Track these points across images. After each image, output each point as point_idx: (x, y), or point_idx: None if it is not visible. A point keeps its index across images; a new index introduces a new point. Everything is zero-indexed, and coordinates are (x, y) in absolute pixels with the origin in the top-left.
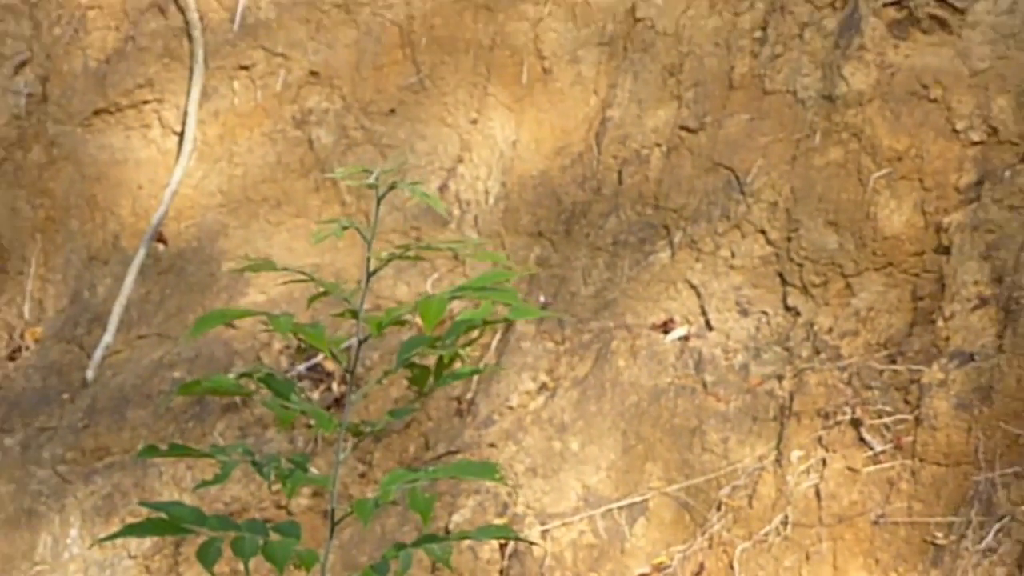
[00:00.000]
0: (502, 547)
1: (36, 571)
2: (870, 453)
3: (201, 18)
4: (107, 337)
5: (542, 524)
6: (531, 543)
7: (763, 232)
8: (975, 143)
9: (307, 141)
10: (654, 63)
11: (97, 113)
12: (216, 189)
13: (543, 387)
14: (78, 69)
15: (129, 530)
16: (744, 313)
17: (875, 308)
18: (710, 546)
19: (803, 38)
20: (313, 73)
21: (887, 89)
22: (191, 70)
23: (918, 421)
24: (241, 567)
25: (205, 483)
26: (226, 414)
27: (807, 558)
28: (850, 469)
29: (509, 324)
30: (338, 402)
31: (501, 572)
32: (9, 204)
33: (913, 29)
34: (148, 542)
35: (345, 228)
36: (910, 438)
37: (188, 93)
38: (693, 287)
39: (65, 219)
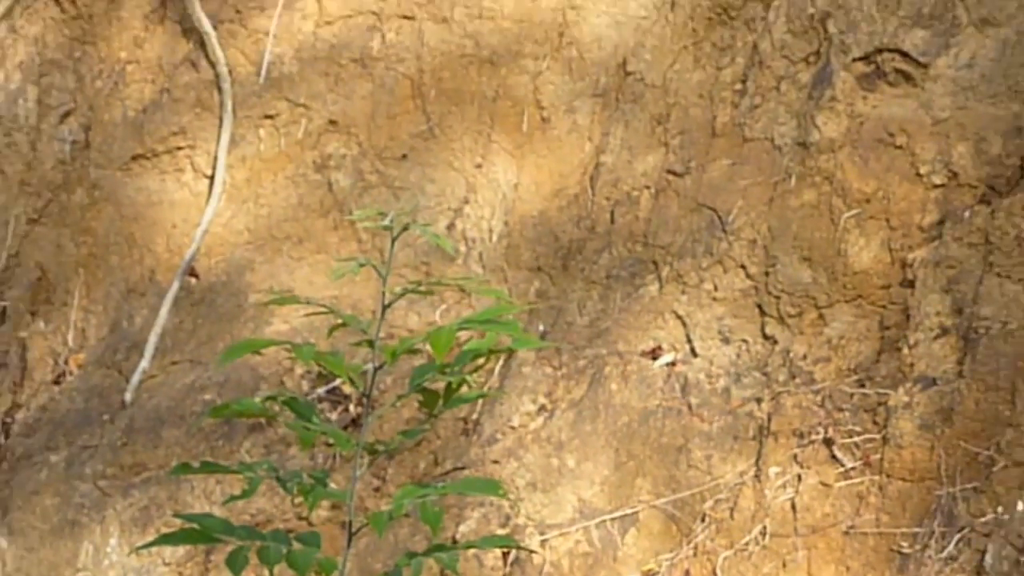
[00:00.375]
0: (505, 555)
1: None
2: (841, 469)
3: (230, 72)
4: (144, 363)
5: (541, 534)
6: (531, 551)
7: (743, 267)
8: (937, 186)
9: (326, 184)
10: (643, 113)
11: (135, 158)
12: (243, 228)
13: (542, 409)
14: (118, 118)
15: (164, 539)
16: (726, 341)
17: (846, 337)
18: (695, 554)
19: (780, 90)
20: (332, 122)
21: (856, 137)
22: (221, 119)
23: (885, 440)
24: (266, 573)
25: (234, 497)
26: (252, 433)
27: (784, 566)
28: (823, 484)
29: (511, 352)
30: (355, 422)
31: None
32: (55, 242)
33: (880, 82)
34: (181, 550)
35: (362, 265)
36: (878, 456)
37: (218, 140)
38: (679, 317)
39: (105, 255)
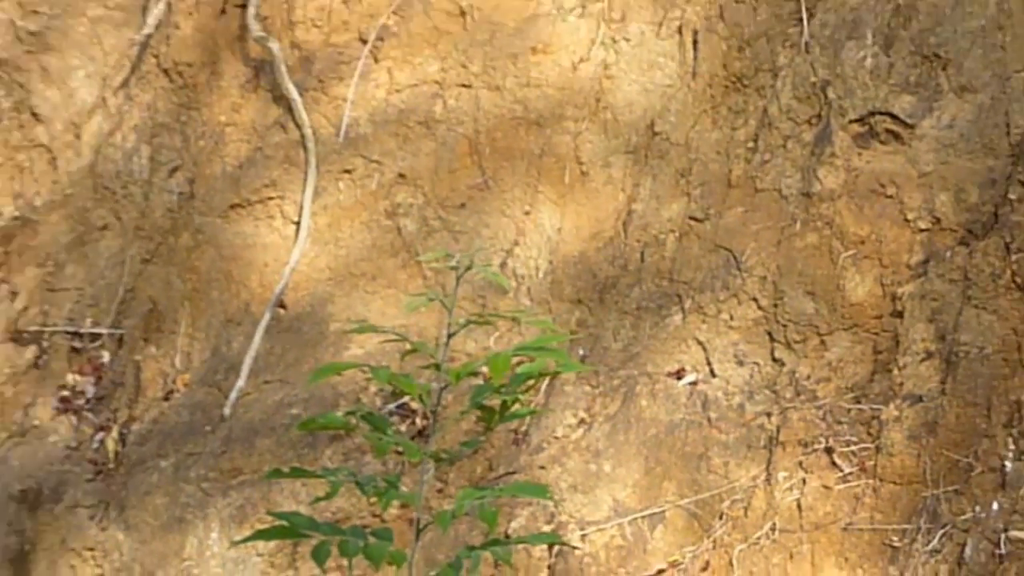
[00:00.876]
0: (550, 548)
1: (185, 566)
2: (840, 474)
3: (314, 133)
4: (240, 382)
5: (581, 530)
6: (573, 547)
7: (755, 300)
8: (923, 230)
9: (396, 229)
10: (669, 167)
11: (232, 207)
12: (325, 266)
13: (582, 422)
14: (218, 173)
15: (258, 534)
16: (740, 363)
17: (844, 360)
18: (714, 547)
19: (786, 147)
20: (401, 176)
21: (853, 187)
22: (306, 173)
23: (878, 449)
24: (345, 563)
25: (318, 498)
26: (333, 443)
27: (791, 557)
28: (824, 487)
29: (556, 373)
30: (421, 434)
31: (549, 567)
32: (164, 279)
33: (873, 140)
34: (272, 544)
35: (431, 300)
36: (872, 463)
37: (303, 191)
38: (700, 343)
39: (207, 290)
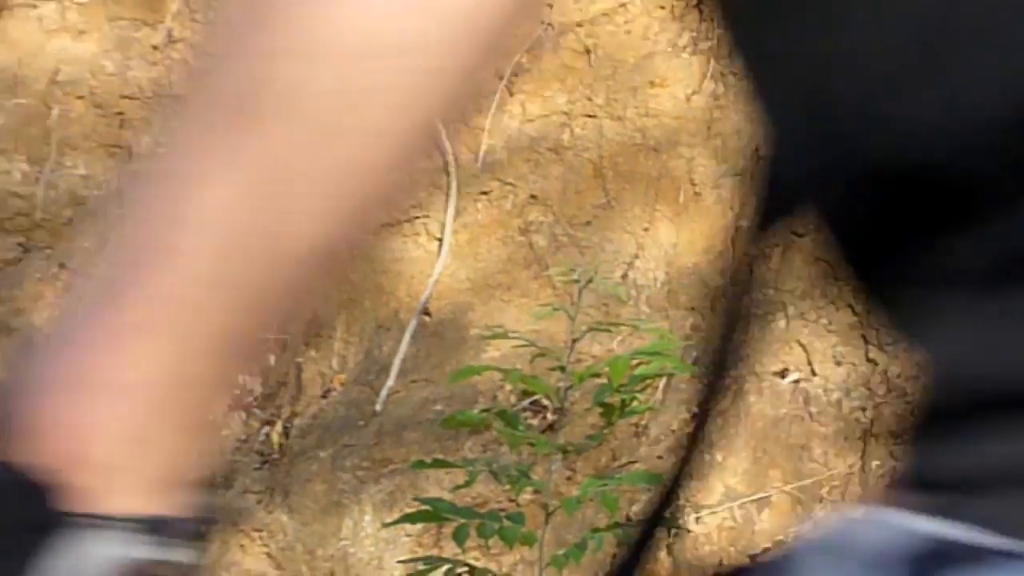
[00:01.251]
0: (667, 529)
1: (342, 545)
2: None
3: (455, 159)
4: (390, 381)
5: (696, 513)
6: (688, 529)
7: (851, 307)
8: None
9: (528, 244)
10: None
11: (383, 226)
12: (465, 278)
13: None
14: None
15: (406, 518)
16: (838, 364)
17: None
18: None
19: None
20: (533, 196)
21: None
22: (448, 196)
23: None
24: (483, 543)
25: (459, 486)
26: (473, 435)
27: None
28: None
29: (671, 374)
30: (551, 428)
31: (667, 546)
32: (322, 290)
33: None
34: (419, 525)
35: (556, 310)
36: None
37: (446, 211)
38: (802, 345)
39: (361, 300)
